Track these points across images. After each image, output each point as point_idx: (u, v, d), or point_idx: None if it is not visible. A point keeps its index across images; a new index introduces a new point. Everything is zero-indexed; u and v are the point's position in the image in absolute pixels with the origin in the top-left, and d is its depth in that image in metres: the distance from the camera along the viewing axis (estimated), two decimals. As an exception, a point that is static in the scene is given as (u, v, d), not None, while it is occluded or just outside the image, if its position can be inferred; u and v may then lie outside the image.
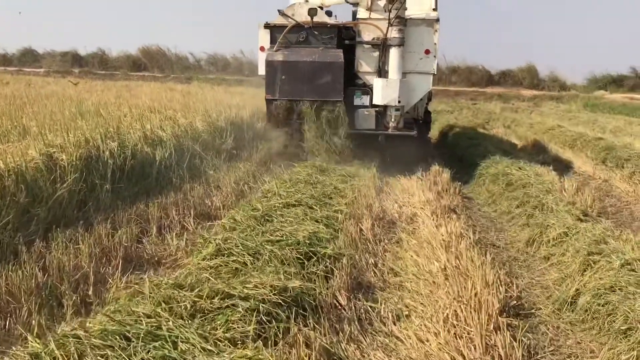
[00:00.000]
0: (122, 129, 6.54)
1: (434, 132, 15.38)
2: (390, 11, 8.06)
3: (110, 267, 4.12)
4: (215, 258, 3.82)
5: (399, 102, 8.26)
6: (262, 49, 8.69)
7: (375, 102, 8.39)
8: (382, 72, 8.46)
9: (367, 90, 8.51)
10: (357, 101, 8.50)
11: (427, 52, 8.51)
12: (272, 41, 8.38)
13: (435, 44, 8.52)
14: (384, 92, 8.25)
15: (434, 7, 8.68)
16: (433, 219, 5.72)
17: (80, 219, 4.77)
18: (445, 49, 44.10)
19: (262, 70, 8.48)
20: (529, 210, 6.20)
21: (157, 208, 5.37)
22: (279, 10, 8.48)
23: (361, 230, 5.12)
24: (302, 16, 8.28)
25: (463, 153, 10.23)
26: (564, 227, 5.27)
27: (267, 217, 4.71)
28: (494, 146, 10.25)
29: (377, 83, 8.36)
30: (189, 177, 6.59)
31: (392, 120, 8.37)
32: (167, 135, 6.98)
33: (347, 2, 8.94)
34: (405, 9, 8.20)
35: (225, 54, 42.54)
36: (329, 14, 8.88)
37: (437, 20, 8.49)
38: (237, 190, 6.65)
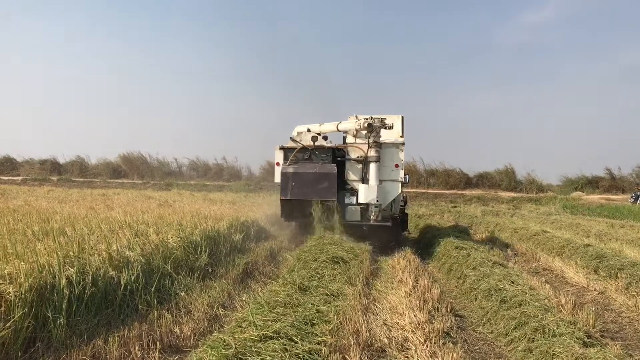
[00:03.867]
0: (85, 251, 6.02)
1: (419, 236, 15.09)
2: (369, 138, 11.34)
3: None
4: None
5: (377, 200, 11.31)
6: (277, 164, 11.96)
7: (360, 200, 11.46)
8: (364, 180, 11.70)
9: (354, 192, 11.72)
10: (347, 200, 11.72)
11: (397, 166, 11.80)
12: (285, 158, 11.72)
13: (402, 160, 11.82)
14: (366, 193, 11.33)
15: (401, 134, 12.13)
16: (427, 346, 5.18)
17: (26, 363, 4.13)
18: (424, 155, 45.28)
19: (277, 178, 11.61)
20: (529, 333, 5.68)
21: (118, 344, 4.74)
22: (290, 137, 11.99)
23: (348, 366, 4.54)
24: (307, 141, 11.75)
25: (452, 263, 9.80)
26: (572, 357, 4.75)
27: (240, 357, 4.11)
28: (481, 254, 9.84)
29: (361, 187, 11.48)
30: (157, 302, 6.01)
31: (373, 214, 11.40)
32: (136, 255, 6.46)
33: (339, 131, 12.19)
34: (380, 136, 11.49)
35: (207, 160, 42.97)
36: (325, 138, 12.08)
37: (403, 143, 11.83)
38: (211, 315, 6.07)
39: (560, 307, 6.60)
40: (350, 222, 11.46)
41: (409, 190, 32.32)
